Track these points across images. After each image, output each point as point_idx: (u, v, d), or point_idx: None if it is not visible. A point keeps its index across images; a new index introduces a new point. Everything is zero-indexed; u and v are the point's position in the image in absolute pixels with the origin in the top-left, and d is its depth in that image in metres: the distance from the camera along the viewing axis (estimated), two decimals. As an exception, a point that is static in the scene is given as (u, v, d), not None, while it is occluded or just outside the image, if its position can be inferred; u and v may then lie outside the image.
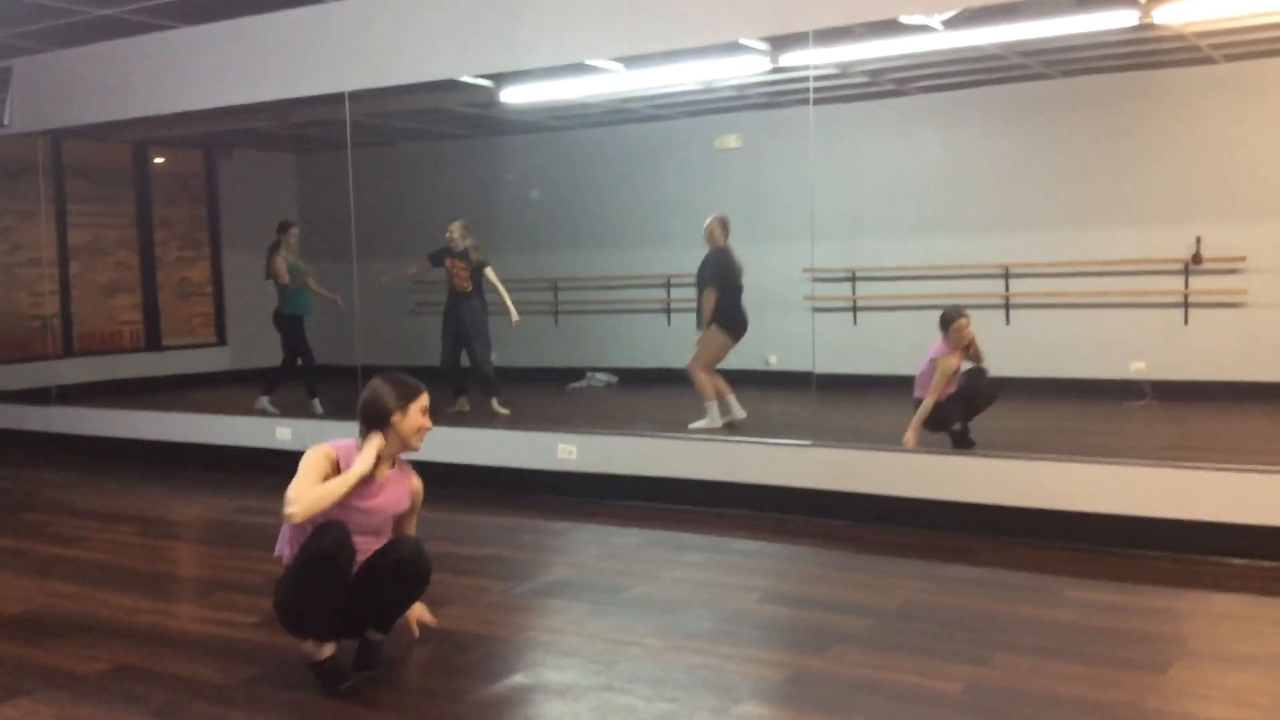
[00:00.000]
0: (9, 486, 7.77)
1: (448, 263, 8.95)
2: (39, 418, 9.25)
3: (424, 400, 3.80)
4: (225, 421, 8.26)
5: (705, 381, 7.74)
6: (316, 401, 9.08)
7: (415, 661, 3.94)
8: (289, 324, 9.31)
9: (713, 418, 7.65)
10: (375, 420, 3.76)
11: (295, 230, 9.41)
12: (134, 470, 8.10)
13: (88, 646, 4.16)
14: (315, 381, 9.24)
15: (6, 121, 9.12)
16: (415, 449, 3.82)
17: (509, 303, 8.69)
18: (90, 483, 7.70)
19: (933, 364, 6.54)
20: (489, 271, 8.84)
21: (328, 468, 3.72)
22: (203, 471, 7.95)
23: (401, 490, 3.88)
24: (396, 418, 3.74)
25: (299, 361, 9.32)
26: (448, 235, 8.91)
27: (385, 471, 3.81)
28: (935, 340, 6.64)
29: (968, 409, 6.59)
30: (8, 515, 6.74)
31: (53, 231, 10.68)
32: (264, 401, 9.02)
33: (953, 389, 6.56)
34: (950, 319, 6.60)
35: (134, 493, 7.31)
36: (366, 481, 3.71)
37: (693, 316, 8.11)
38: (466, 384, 8.97)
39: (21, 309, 10.78)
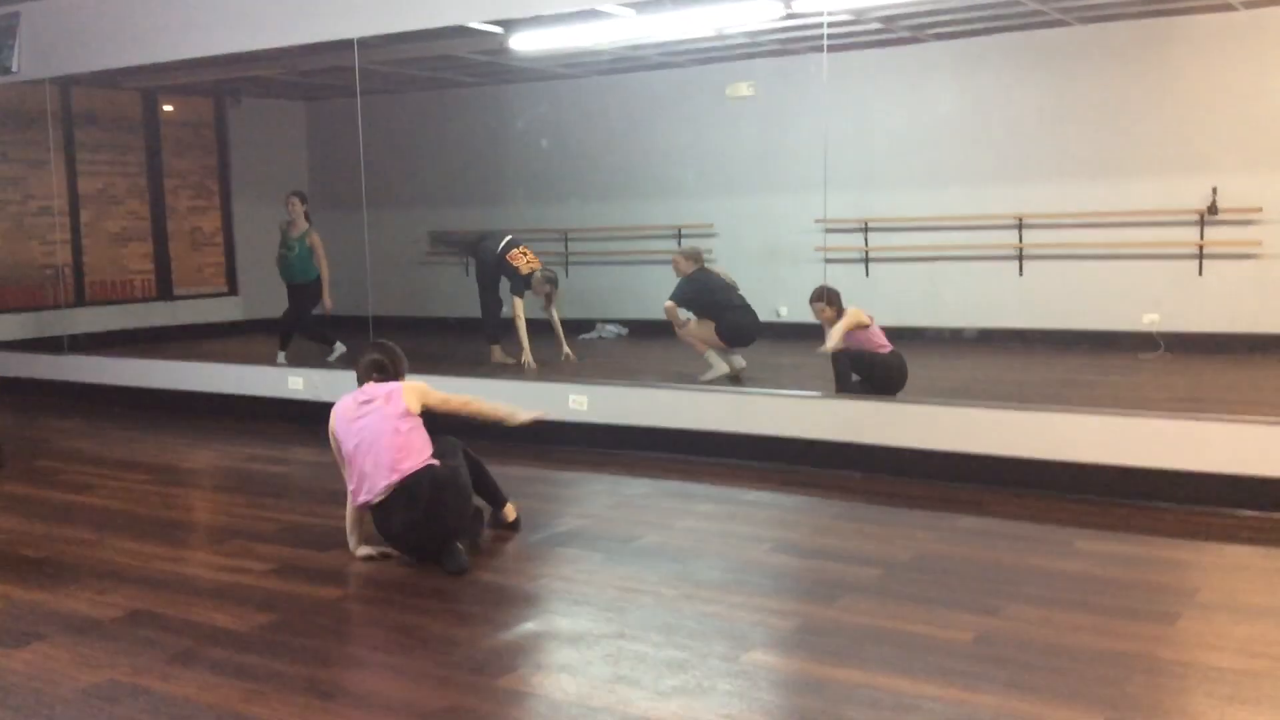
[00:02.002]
0: (22, 434, 7.81)
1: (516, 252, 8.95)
2: (51, 366, 9.29)
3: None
4: (236, 370, 8.29)
5: (695, 338, 7.76)
6: (336, 346, 9.09)
7: (429, 609, 3.96)
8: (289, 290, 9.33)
9: (717, 365, 7.65)
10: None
11: (292, 199, 9.31)
12: (146, 419, 8.14)
13: (102, 592, 4.20)
14: (322, 333, 9.26)
15: (15, 68, 9.07)
16: None
17: (560, 334, 8.88)
18: (102, 431, 7.74)
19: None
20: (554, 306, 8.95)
21: None
22: (214, 420, 7.99)
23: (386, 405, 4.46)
24: None
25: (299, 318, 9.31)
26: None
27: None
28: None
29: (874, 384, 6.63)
30: (21, 462, 6.78)
31: (63, 180, 10.65)
32: (281, 357, 9.04)
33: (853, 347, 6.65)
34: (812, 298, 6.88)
35: (146, 441, 7.35)
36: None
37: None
38: (500, 335, 8.97)
39: (33, 258, 10.79)
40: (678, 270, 8.01)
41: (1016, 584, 4.11)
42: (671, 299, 7.88)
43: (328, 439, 4.61)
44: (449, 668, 3.43)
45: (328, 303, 9.17)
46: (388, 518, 4.36)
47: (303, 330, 9.28)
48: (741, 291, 7.94)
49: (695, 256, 8.08)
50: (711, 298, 7.83)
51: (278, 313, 9.55)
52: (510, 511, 4.91)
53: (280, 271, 9.27)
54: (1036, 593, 4.00)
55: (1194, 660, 3.39)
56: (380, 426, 4.39)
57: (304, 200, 9.27)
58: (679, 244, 10.77)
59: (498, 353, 8.90)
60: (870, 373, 6.62)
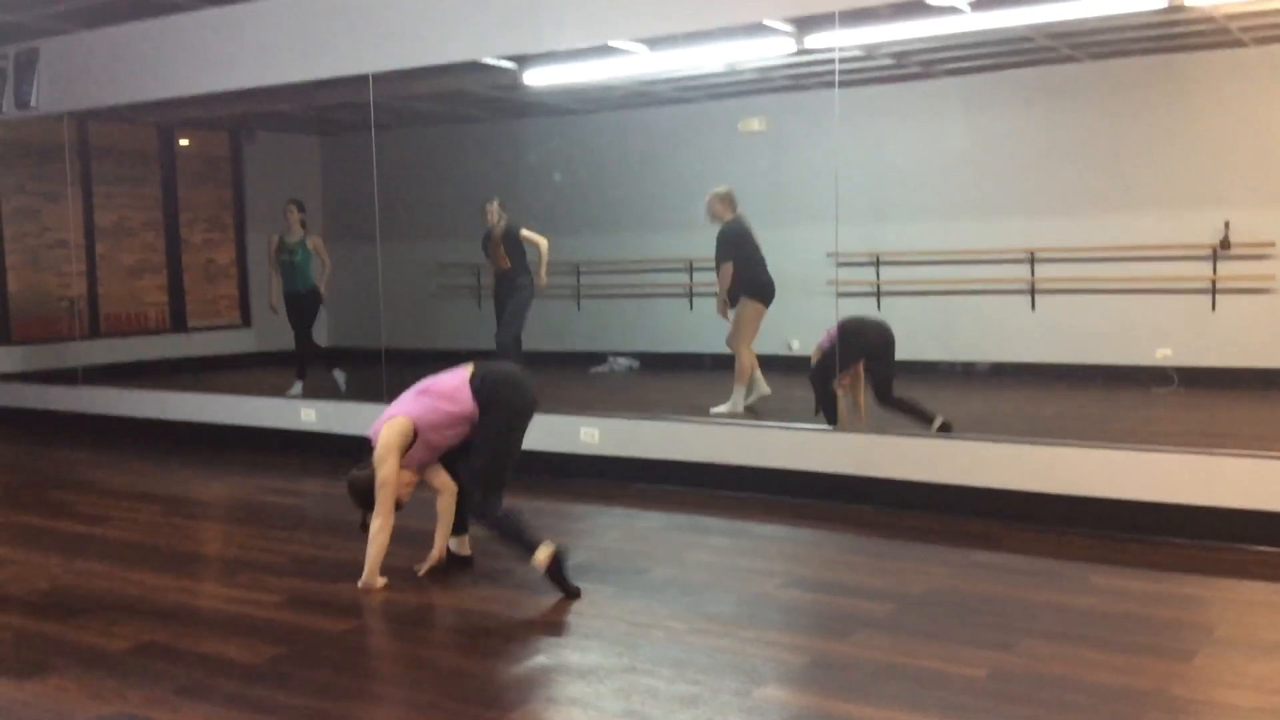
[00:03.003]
0: (36, 465, 7.84)
1: (489, 245, 8.96)
2: (65, 398, 9.33)
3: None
4: (250, 402, 8.30)
5: (746, 361, 7.70)
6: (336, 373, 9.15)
7: (439, 641, 3.95)
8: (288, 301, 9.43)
9: (735, 403, 7.63)
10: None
11: (289, 206, 9.44)
12: (159, 450, 8.16)
13: (113, 624, 4.19)
14: (311, 361, 9.32)
15: (33, 103, 9.17)
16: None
17: (544, 255, 8.71)
18: (116, 462, 7.76)
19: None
20: (524, 232, 8.80)
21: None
22: (227, 452, 8.00)
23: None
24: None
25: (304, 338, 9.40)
26: (489, 217, 8.93)
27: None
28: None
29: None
30: (35, 494, 6.80)
31: (79, 213, 10.73)
32: (298, 387, 9.08)
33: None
34: None
35: (159, 472, 7.36)
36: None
37: (711, 300, 8.08)
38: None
39: (49, 290, 10.85)
40: (715, 215, 7.74)
41: (1030, 620, 4.08)
42: (724, 257, 7.67)
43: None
44: (460, 701, 3.41)
45: (322, 291, 9.33)
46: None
47: (300, 340, 9.35)
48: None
49: (734, 202, 7.83)
50: (752, 251, 7.72)
51: (291, 344, 9.58)
52: (465, 545, 4.90)
53: (285, 280, 9.38)
54: (1050, 628, 3.97)
55: (1210, 698, 3.36)
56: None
57: (301, 209, 9.41)
58: (690, 277, 10.80)
59: None
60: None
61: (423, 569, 4.67)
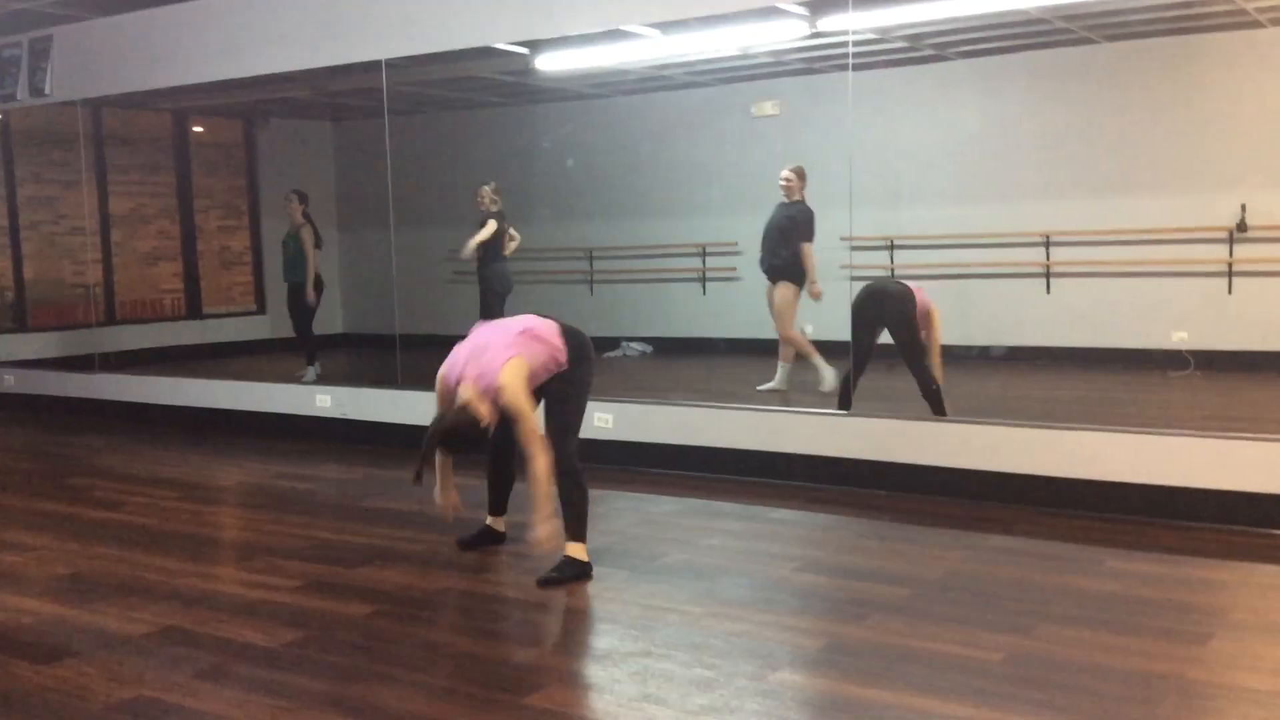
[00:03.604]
0: (54, 452, 7.89)
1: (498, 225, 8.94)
2: (82, 384, 9.38)
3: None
4: (266, 388, 8.33)
5: (803, 340, 7.71)
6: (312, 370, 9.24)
7: (457, 625, 3.97)
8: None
9: (781, 378, 7.66)
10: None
11: (289, 195, 9.56)
12: (175, 436, 8.20)
13: (132, 608, 4.22)
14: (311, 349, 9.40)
15: (48, 90, 9.19)
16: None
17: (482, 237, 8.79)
18: (132, 448, 7.80)
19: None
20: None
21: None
22: (242, 437, 8.03)
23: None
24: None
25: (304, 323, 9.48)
26: (477, 200, 8.88)
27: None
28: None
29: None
30: (53, 480, 6.84)
31: (94, 201, 10.77)
32: (311, 372, 9.12)
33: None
34: None
35: (176, 458, 7.40)
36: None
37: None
38: None
39: (65, 277, 10.90)
40: (794, 193, 7.78)
41: (1047, 604, 4.07)
42: (808, 236, 7.67)
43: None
44: (477, 684, 3.43)
45: (309, 296, 9.33)
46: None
47: (296, 330, 9.43)
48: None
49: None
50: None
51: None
52: (500, 523, 4.96)
53: (283, 270, 9.54)
54: (1067, 612, 3.96)
55: (1227, 682, 3.35)
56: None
57: (302, 199, 9.47)
58: (703, 262, 10.78)
59: None
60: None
61: (536, 533, 4.27)
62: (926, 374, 6.33)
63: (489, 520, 4.92)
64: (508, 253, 8.93)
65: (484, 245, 8.82)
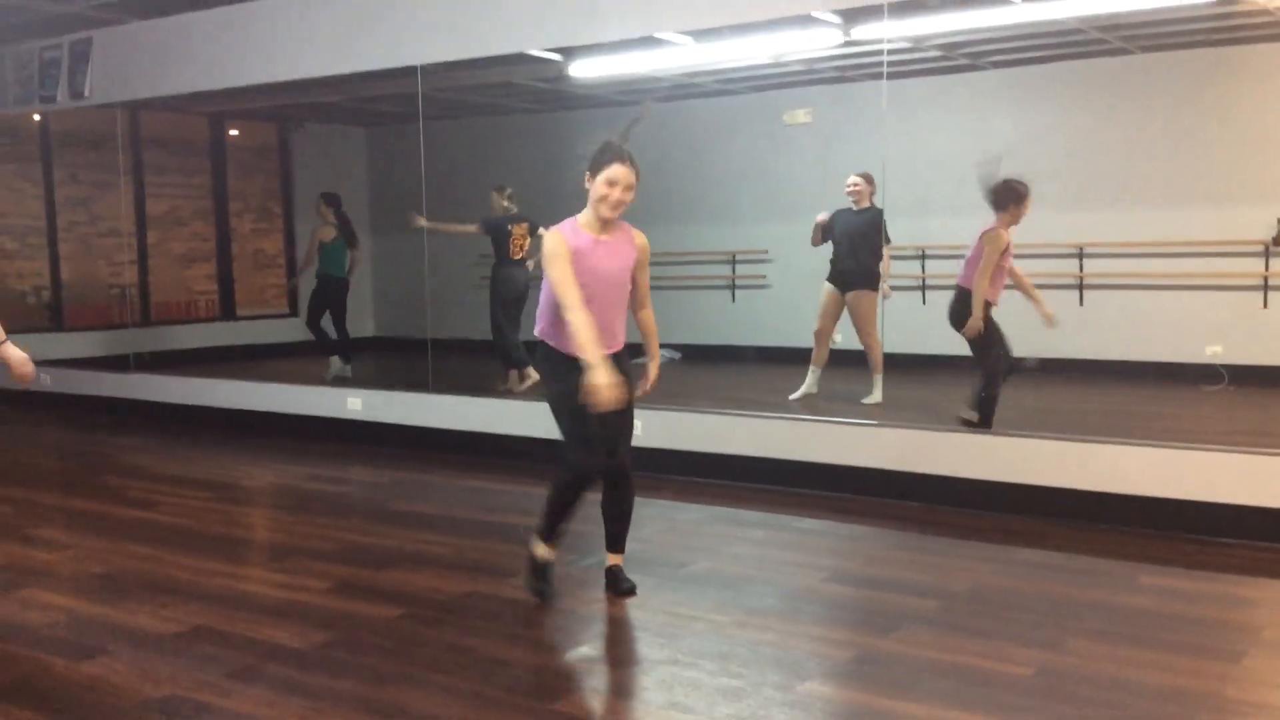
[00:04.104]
0: (89, 451, 7.97)
1: (513, 229, 8.89)
2: (117, 384, 9.48)
3: (612, 171, 4.19)
4: (298, 390, 8.40)
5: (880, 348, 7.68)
6: (336, 360, 9.41)
7: (483, 630, 3.98)
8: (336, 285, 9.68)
9: (876, 395, 7.64)
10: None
11: (319, 203, 9.84)
12: (208, 437, 8.27)
13: (164, 607, 4.26)
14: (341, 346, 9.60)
15: (87, 93, 9.30)
16: (603, 216, 4.17)
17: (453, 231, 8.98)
18: (166, 448, 7.88)
19: (981, 243, 6.35)
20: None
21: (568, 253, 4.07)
22: (274, 439, 8.09)
23: (622, 247, 4.23)
24: (587, 180, 4.20)
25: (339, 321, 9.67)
26: (504, 204, 8.91)
27: (599, 235, 4.16)
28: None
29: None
30: (88, 479, 6.92)
31: (131, 202, 10.89)
32: (341, 367, 9.23)
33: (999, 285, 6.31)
34: (1019, 193, 6.36)
35: (208, 459, 7.46)
36: (583, 253, 4.08)
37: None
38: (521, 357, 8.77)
39: (101, 278, 11.03)
40: (863, 200, 7.76)
41: (1078, 618, 4.05)
42: (868, 230, 7.62)
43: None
44: (504, 690, 3.44)
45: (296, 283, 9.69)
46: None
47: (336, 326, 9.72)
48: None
49: None
50: None
51: (337, 334, 9.71)
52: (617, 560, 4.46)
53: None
54: (1099, 627, 3.93)
55: (1261, 700, 3.32)
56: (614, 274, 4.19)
57: (329, 203, 9.74)
58: (733, 270, 10.77)
59: (515, 378, 8.72)
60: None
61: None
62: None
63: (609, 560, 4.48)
64: (516, 256, 8.91)
65: (495, 248, 8.85)
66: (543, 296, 4.18)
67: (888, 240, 7.64)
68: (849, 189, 7.84)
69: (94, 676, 3.58)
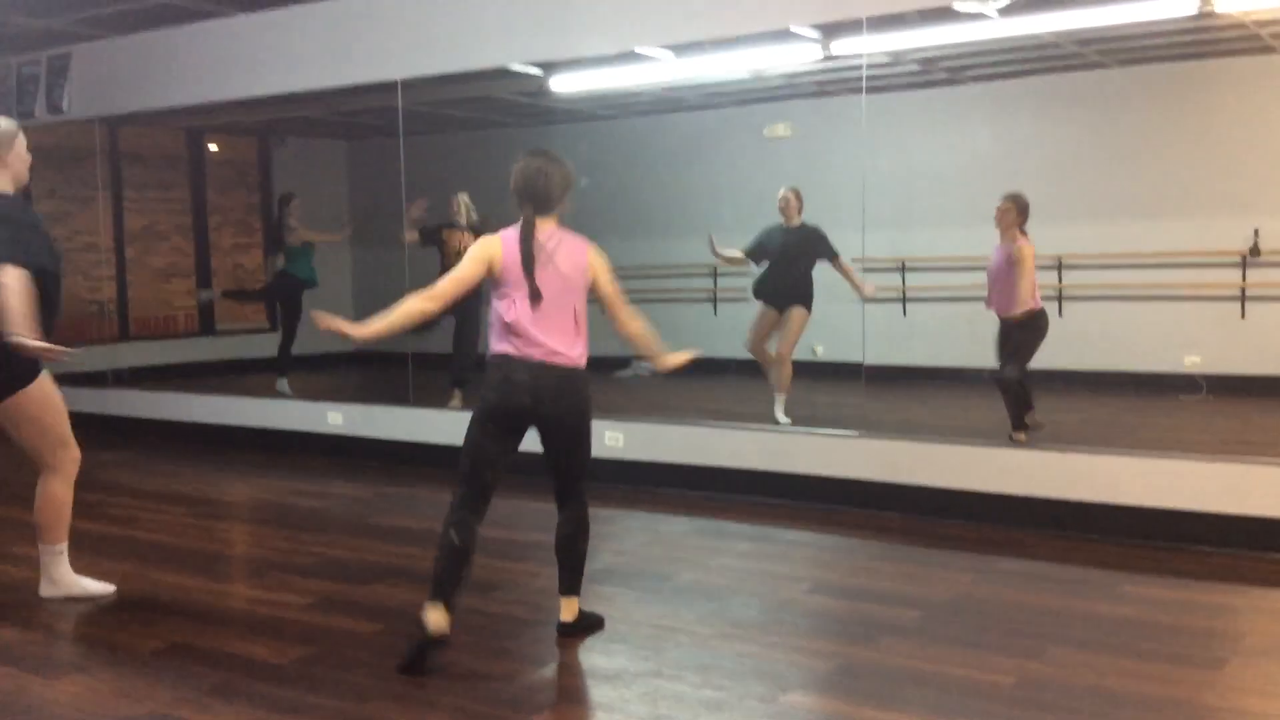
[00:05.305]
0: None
1: (450, 236, 8.46)
2: (95, 400, 9.41)
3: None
4: (278, 405, 8.37)
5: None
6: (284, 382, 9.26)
7: (465, 644, 3.96)
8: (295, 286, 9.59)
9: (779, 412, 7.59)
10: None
11: (295, 201, 9.65)
12: (187, 452, 8.22)
13: (143, 624, 4.23)
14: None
15: (65, 108, 9.27)
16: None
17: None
18: (145, 464, 7.82)
19: (1007, 256, 6.62)
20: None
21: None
22: (254, 454, 8.05)
23: (575, 253, 4.11)
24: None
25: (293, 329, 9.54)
26: (453, 209, 8.52)
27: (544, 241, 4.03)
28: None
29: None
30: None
31: (110, 217, 10.84)
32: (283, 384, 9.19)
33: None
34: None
35: (187, 474, 7.42)
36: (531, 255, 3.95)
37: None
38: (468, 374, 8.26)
39: (79, 293, 10.96)
40: (795, 214, 7.72)
41: (1059, 627, 4.06)
42: (813, 245, 7.64)
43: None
44: (485, 704, 3.42)
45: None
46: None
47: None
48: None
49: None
50: None
51: (317, 349, 9.67)
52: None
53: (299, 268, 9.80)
54: (1079, 636, 3.94)
55: (1242, 707, 3.33)
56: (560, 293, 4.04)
57: (283, 202, 9.67)
58: (714, 283, 10.79)
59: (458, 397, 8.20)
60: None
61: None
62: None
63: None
64: (451, 265, 8.70)
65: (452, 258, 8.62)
66: (491, 314, 3.98)
67: (835, 253, 7.60)
68: (779, 203, 7.78)
69: (73, 694, 3.54)
